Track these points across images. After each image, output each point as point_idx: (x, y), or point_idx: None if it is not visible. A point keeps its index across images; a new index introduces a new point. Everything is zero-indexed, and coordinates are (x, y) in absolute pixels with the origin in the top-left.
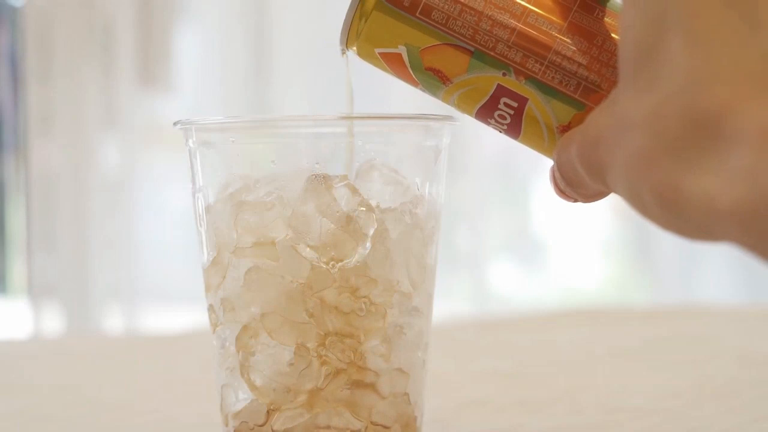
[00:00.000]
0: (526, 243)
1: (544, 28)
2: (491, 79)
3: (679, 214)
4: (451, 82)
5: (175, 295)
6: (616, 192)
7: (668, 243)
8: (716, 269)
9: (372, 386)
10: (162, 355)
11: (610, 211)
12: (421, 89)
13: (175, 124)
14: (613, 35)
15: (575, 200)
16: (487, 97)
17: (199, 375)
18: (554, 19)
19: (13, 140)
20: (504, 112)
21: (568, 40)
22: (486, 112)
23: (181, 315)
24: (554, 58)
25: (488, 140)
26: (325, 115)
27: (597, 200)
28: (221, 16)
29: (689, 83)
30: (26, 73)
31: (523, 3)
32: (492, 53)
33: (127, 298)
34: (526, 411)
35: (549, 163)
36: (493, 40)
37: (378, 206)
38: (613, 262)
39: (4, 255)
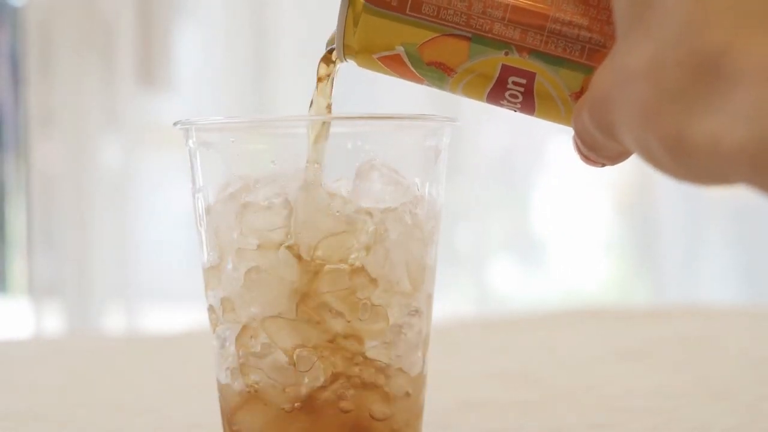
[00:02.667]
0: (526, 243)
1: None
2: (494, 61)
3: (688, 160)
4: (456, 72)
5: (174, 295)
6: (627, 146)
7: (669, 243)
8: (717, 270)
9: (372, 386)
10: (162, 354)
11: (611, 210)
12: (427, 85)
13: (175, 124)
14: None
15: (602, 164)
16: (494, 80)
17: (199, 375)
18: None
19: (13, 140)
20: (514, 91)
21: (564, 6)
22: (496, 95)
23: (181, 315)
24: (553, 27)
25: (488, 140)
26: (325, 115)
27: (622, 161)
28: (222, 15)
29: (685, 27)
30: (27, 72)
31: None
32: (490, 35)
33: (127, 298)
34: (526, 411)
35: (548, 160)
36: (489, 21)
37: (377, 207)
38: (614, 261)
39: (4, 254)
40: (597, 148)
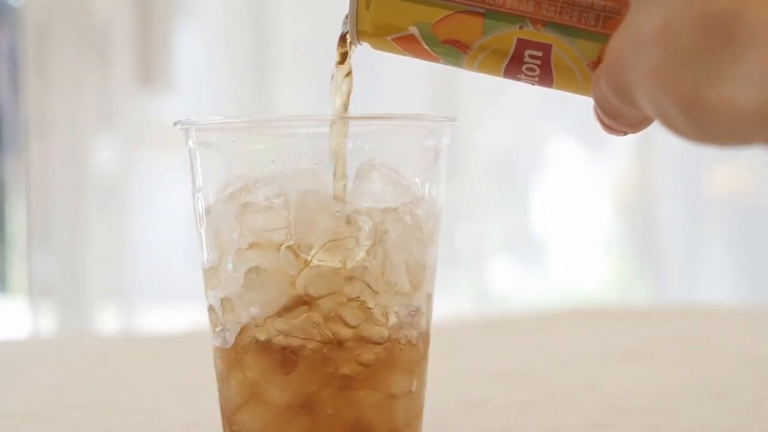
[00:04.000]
0: (526, 242)
1: None
2: (509, 35)
3: (704, 123)
4: (471, 49)
5: (174, 296)
6: (645, 111)
7: (669, 243)
8: (717, 270)
9: (372, 386)
10: (161, 355)
11: (611, 210)
12: (442, 63)
13: (174, 124)
14: None
15: (624, 133)
16: (510, 55)
17: (198, 375)
18: None
19: (13, 140)
20: (531, 64)
21: None
22: (513, 69)
23: (180, 315)
24: None
25: (488, 140)
26: (325, 115)
27: (643, 128)
28: (221, 15)
29: None
30: (26, 73)
31: None
32: (503, 9)
33: (126, 299)
34: (526, 411)
35: (548, 160)
36: None
37: (377, 207)
38: (614, 261)
39: (4, 255)
40: (617, 116)
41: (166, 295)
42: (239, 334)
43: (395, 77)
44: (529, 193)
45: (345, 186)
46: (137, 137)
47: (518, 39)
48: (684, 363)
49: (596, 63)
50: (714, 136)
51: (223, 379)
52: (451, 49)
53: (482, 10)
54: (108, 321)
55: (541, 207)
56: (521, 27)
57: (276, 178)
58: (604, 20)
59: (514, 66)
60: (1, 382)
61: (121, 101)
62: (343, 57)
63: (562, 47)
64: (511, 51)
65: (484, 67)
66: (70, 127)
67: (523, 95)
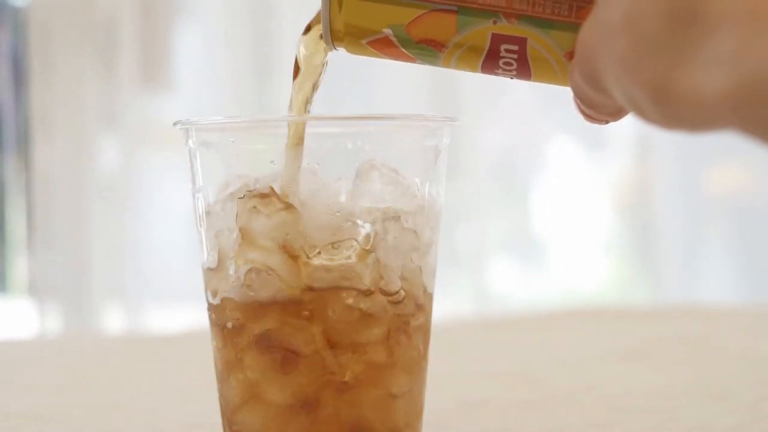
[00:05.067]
0: (526, 242)
1: None
2: (484, 31)
3: (673, 110)
4: (446, 48)
5: (174, 295)
6: (617, 100)
7: (669, 243)
8: (717, 270)
9: (372, 386)
10: (162, 355)
11: (611, 210)
12: (419, 63)
13: (175, 124)
14: None
15: (605, 121)
16: (486, 50)
17: (198, 375)
18: None
19: (14, 140)
20: (508, 58)
21: None
22: (490, 65)
23: (181, 315)
24: None
25: (488, 140)
26: (325, 115)
27: (622, 116)
28: (222, 15)
29: None
30: (28, 72)
31: None
32: (476, 5)
33: (126, 298)
34: (526, 411)
35: (548, 160)
36: None
37: (377, 207)
38: (614, 261)
39: (4, 254)
40: (594, 106)
41: (168, 294)
42: (239, 334)
43: (395, 77)
44: (529, 193)
45: (295, 181)
46: (139, 137)
47: (493, 34)
48: (684, 363)
49: (572, 53)
50: (682, 121)
51: (223, 379)
52: (427, 48)
53: (455, 8)
54: (110, 321)
55: (541, 207)
56: (495, 22)
57: (276, 178)
58: (578, 10)
59: (491, 61)
60: (4, 381)
61: (122, 101)
62: (297, 69)
63: (537, 39)
64: (487, 46)
65: (461, 65)
66: (72, 127)
67: (523, 95)
